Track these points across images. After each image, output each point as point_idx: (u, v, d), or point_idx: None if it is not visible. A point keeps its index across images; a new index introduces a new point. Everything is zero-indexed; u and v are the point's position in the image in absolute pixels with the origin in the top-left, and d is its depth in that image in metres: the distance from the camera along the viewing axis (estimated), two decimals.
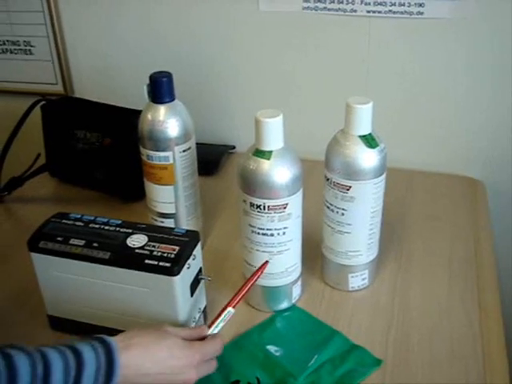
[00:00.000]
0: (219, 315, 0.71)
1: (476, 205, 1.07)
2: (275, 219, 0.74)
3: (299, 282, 0.83)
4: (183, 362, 0.64)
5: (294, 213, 0.75)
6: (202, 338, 0.69)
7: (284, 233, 0.76)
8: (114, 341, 0.61)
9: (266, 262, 0.77)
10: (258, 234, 0.76)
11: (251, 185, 0.73)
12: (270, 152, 0.72)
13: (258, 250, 0.77)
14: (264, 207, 0.73)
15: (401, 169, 1.12)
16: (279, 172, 0.72)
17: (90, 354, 0.59)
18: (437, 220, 1.02)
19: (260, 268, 0.76)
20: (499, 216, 1.13)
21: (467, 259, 0.91)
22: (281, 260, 0.78)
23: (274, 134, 0.71)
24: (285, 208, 0.74)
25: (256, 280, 0.76)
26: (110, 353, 0.59)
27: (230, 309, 0.71)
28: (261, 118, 0.70)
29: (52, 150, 1.15)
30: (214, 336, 0.69)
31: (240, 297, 0.73)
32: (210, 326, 0.70)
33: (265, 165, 0.72)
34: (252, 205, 0.74)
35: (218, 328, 0.70)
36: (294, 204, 0.75)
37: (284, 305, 0.82)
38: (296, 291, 0.83)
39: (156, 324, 0.67)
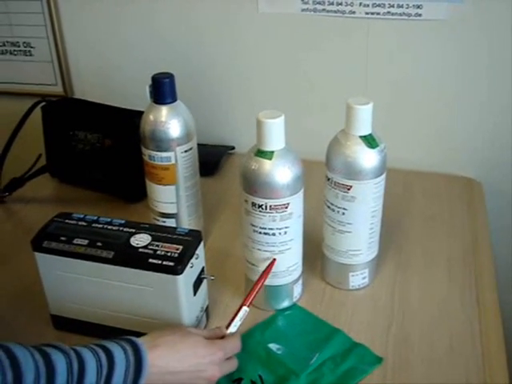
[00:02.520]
0: (236, 314, 0.73)
1: (473, 204, 1.08)
2: (277, 219, 0.75)
3: (300, 281, 0.84)
4: (207, 359, 0.66)
5: (295, 212, 0.76)
6: (221, 338, 0.71)
7: (285, 232, 0.76)
8: (141, 341, 0.64)
9: (274, 259, 0.78)
10: (260, 233, 0.76)
11: (253, 185, 0.74)
12: (272, 152, 0.73)
13: (259, 250, 0.78)
14: (266, 207, 0.74)
15: (399, 169, 1.13)
16: (281, 172, 0.73)
17: (120, 354, 0.61)
18: (435, 219, 1.03)
19: (270, 265, 0.78)
20: (496, 215, 1.14)
21: (465, 258, 0.92)
22: (282, 259, 0.79)
23: (276, 134, 0.72)
24: (286, 208, 0.74)
25: (266, 278, 0.77)
26: (138, 353, 0.62)
27: (245, 308, 0.73)
28: (263, 118, 0.71)
29: (53, 150, 1.16)
30: (232, 335, 0.72)
31: (253, 295, 0.75)
32: (227, 326, 0.72)
33: (266, 165, 0.72)
34: (254, 204, 0.75)
35: (236, 327, 0.73)
36: (296, 204, 0.75)
37: (285, 303, 0.83)
38: (297, 290, 0.84)
39: (177, 325, 0.71)
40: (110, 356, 0.61)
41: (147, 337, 0.66)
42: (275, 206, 0.74)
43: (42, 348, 0.59)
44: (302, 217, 0.78)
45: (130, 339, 0.64)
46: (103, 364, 0.60)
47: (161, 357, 0.64)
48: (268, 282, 0.79)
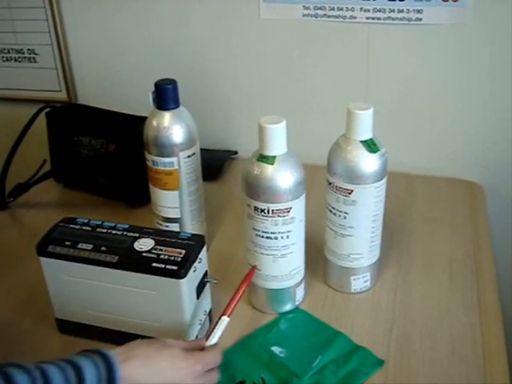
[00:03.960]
0: (215, 325, 0.71)
1: (475, 208, 1.08)
2: (279, 223, 0.76)
3: (302, 285, 0.85)
4: (185, 371, 0.64)
5: (297, 216, 0.76)
6: (202, 350, 0.68)
7: (288, 236, 0.77)
8: (114, 354, 0.61)
9: (254, 267, 0.78)
10: (262, 237, 0.77)
11: (255, 189, 0.74)
12: (274, 157, 0.73)
13: (262, 254, 0.79)
14: (268, 211, 0.75)
15: (400, 173, 1.14)
16: (283, 177, 0.73)
17: (90, 369, 0.58)
18: (436, 223, 1.03)
19: (248, 275, 0.78)
20: (497, 218, 1.15)
21: (467, 261, 0.93)
22: (285, 263, 0.79)
23: (278, 139, 0.73)
24: (288, 212, 0.75)
25: (246, 288, 0.76)
26: (111, 366, 0.59)
27: (224, 317, 0.71)
28: (264, 123, 0.72)
29: (57, 156, 1.17)
30: (213, 346, 0.69)
31: (233, 305, 0.73)
32: (207, 338, 0.70)
33: (268, 170, 0.73)
34: (256, 209, 0.75)
35: (216, 338, 0.70)
36: (298, 208, 0.76)
37: (288, 307, 0.84)
38: (299, 294, 0.84)
39: (155, 338, 0.67)
40: (79, 372, 0.57)
41: (121, 348, 0.63)
42: (277, 210, 0.75)
43: (3, 369, 0.55)
44: (304, 221, 0.79)
45: (101, 352, 0.60)
46: (71, 382, 0.56)
47: (136, 369, 0.61)
48: (271, 285, 0.80)
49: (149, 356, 0.63)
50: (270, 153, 0.73)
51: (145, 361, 0.62)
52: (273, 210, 0.75)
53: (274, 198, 0.74)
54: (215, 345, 0.70)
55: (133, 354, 0.62)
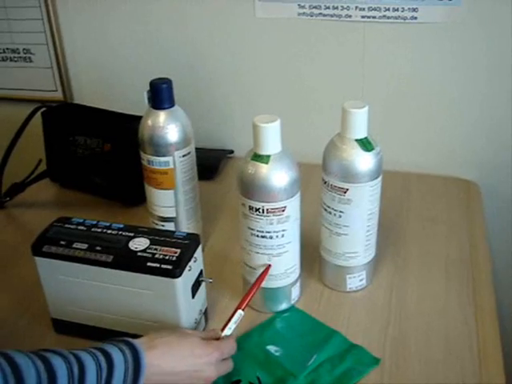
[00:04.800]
0: (231, 318, 0.74)
1: (471, 206, 1.08)
2: (274, 222, 0.76)
3: (298, 284, 0.85)
4: (204, 359, 0.67)
5: (292, 215, 0.76)
6: (217, 340, 0.72)
7: (283, 235, 0.77)
8: (139, 342, 0.65)
9: (269, 265, 0.79)
10: (257, 236, 0.77)
11: (250, 188, 0.75)
12: (268, 156, 0.73)
13: (257, 253, 0.79)
14: (263, 210, 0.75)
15: (396, 171, 1.14)
16: (277, 176, 0.74)
17: (118, 356, 0.62)
18: (432, 221, 1.03)
19: (265, 271, 0.79)
20: (494, 217, 1.15)
21: (463, 260, 0.93)
22: (280, 262, 0.79)
23: (272, 138, 0.73)
24: (283, 211, 0.75)
25: (261, 283, 0.78)
26: (137, 354, 0.63)
27: (240, 311, 0.74)
28: (258, 123, 0.72)
29: (53, 155, 1.17)
30: (228, 336, 0.73)
31: (248, 299, 0.76)
32: (222, 329, 0.73)
33: (263, 169, 0.73)
34: (251, 208, 0.75)
35: (231, 330, 0.73)
36: (292, 207, 0.76)
37: (283, 306, 0.84)
38: (295, 292, 0.84)
39: (174, 327, 0.72)
40: (108, 359, 0.62)
41: (144, 338, 0.66)
42: (272, 209, 0.75)
43: (41, 354, 0.59)
44: (299, 219, 0.79)
45: (128, 341, 0.65)
46: (103, 367, 0.61)
47: (159, 357, 0.65)
48: (266, 284, 0.80)
49: (170, 345, 0.67)
50: (264, 152, 0.73)
51: (166, 349, 0.66)
52: (267, 209, 0.75)
53: (269, 197, 0.74)
54: (230, 336, 0.73)
55: (155, 343, 0.66)
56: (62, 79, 1.31)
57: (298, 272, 0.83)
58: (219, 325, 0.74)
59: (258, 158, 0.74)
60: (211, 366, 0.68)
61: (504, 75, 1.07)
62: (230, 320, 0.74)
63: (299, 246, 0.82)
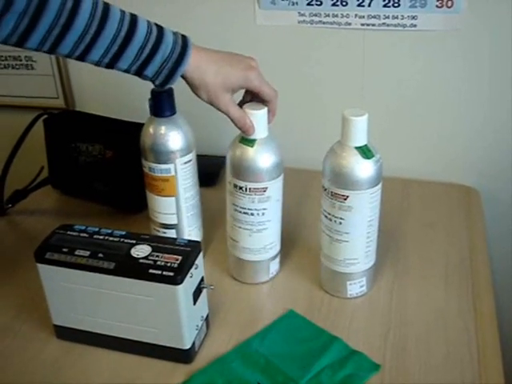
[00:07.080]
0: None
1: (471, 212, 1.09)
2: (255, 200, 0.83)
3: (277, 260, 0.91)
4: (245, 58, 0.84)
5: (273, 196, 0.83)
6: None
7: (263, 213, 0.84)
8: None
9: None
10: (240, 212, 0.84)
11: (236, 169, 0.82)
12: (254, 140, 0.81)
13: (239, 227, 0.86)
14: (246, 189, 0.82)
15: (397, 178, 1.14)
16: (261, 158, 0.81)
17: (170, 33, 0.76)
18: (432, 228, 1.04)
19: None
20: (494, 223, 1.15)
21: (462, 266, 0.93)
22: (260, 238, 0.86)
23: (259, 124, 0.81)
24: (264, 191, 0.82)
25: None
26: (186, 41, 0.77)
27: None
28: (247, 109, 0.81)
29: (55, 162, 1.17)
30: None
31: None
32: None
33: (249, 151, 0.81)
34: (236, 186, 0.83)
35: None
36: (274, 188, 0.83)
37: (262, 279, 0.90)
38: (273, 267, 0.91)
39: None
40: (161, 30, 0.75)
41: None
42: (254, 188, 0.82)
43: None
44: (281, 201, 0.86)
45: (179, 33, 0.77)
46: (153, 30, 0.74)
47: (204, 50, 0.80)
48: (247, 257, 0.88)
49: (215, 61, 0.81)
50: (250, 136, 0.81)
51: (210, 59, 0.80)
52: (250, 189, 0.82)
53: (252, 178, 0.81)
54: None
55: (202, 52, 0.79)
56: (63, 86, 1.32)
57: (277, 249, 0.90)
58: (221, 331, 0.75)
59: (246, 141, 0.82)
60: (252, 60, 0.86)
61: (504, 82, 1.08)
62: None
63: (280, 226, 0.89)
